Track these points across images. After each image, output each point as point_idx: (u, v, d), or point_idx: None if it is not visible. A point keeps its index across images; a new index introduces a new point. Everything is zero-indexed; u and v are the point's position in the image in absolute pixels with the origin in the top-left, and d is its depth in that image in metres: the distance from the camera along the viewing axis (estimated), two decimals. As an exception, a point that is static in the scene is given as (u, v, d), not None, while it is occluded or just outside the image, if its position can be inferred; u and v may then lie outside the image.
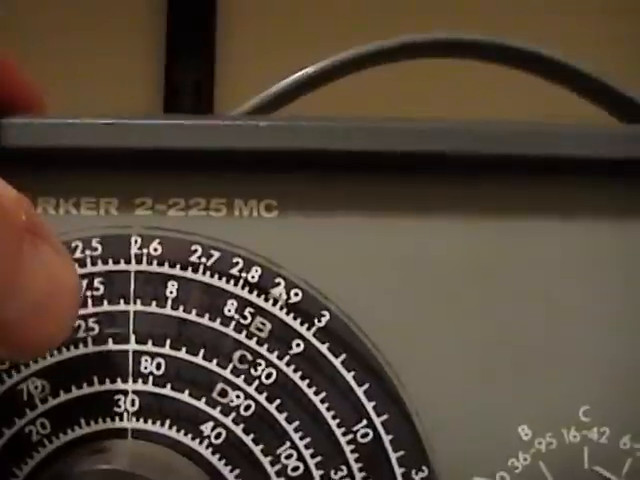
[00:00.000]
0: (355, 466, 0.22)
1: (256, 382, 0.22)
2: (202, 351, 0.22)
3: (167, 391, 0.22)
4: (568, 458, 0.24)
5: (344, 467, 0.22)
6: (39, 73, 0.26)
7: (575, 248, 0.24)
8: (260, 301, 0.23)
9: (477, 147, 0.23)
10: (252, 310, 0.23)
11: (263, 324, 0.23)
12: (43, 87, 0.26)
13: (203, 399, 0.22)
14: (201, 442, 0.22)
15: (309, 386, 0.22)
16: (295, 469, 0.22)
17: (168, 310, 0.23)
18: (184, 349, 0.22)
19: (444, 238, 0.23)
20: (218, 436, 0.22)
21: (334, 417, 0.22)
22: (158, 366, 0.22)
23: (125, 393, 0.22)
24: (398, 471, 0.23)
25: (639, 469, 0.24)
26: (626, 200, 0.24)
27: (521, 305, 0.24)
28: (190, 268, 0.23)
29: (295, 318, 0.23)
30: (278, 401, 0.22)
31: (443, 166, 0.23)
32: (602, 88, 0.34)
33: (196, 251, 0.23)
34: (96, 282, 0.23)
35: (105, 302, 0.23)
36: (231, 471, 0.22)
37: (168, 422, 0.22)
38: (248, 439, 0.22)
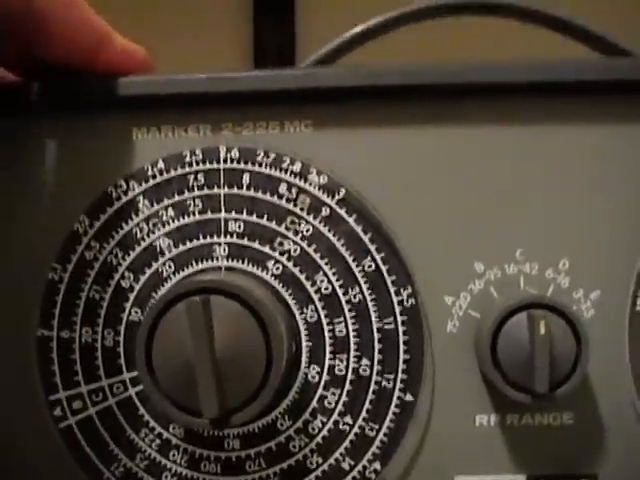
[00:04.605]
0: (364, 287, 0.35)
1: (300, 234, 0.35)
2: (266, 216, 0.36)
3: (245, 242, 0.36)
4: (509, 284, 0.36)
5: (357, 287, 0.35)
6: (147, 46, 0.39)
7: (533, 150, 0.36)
8: (301, 183, 0.36)
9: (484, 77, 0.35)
10: (297, 189, 0.36)
11: (304, 198, 0.36)
12: (151, 57, 0.39)
13: (267, 246, 0.36)
14: (267, 273, 0.35)
15: (333, 235, 0.35)
16: (326, 289, 0.35)
17: (244, 191, 0.36)
18: (254, 215, 0.36)
19: (431, 140, 0.36)
20: (277, 269, 0.35)
21: (350, 255, 0.35)
22: (239, 227, 0.36)
23: (219, 244, 0.36)
24: (392, 289, 0.35)
25: (559, 290, 0.36)
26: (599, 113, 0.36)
27: (484, 185, 0.36)
28: (257, 165, 0.36)
29: (323, 193, 0.36)
30: (314, 245, 0.35)
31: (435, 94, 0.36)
32: (583, 32, 0.46)
33: (260, 154, 0.36)
34: (199, 176, 0.36)
35: (205, 188, 0.36)
36: (286, 291, 0.35)
37: (246, 262, 0.36)
38: (296, 270, 0.35)
